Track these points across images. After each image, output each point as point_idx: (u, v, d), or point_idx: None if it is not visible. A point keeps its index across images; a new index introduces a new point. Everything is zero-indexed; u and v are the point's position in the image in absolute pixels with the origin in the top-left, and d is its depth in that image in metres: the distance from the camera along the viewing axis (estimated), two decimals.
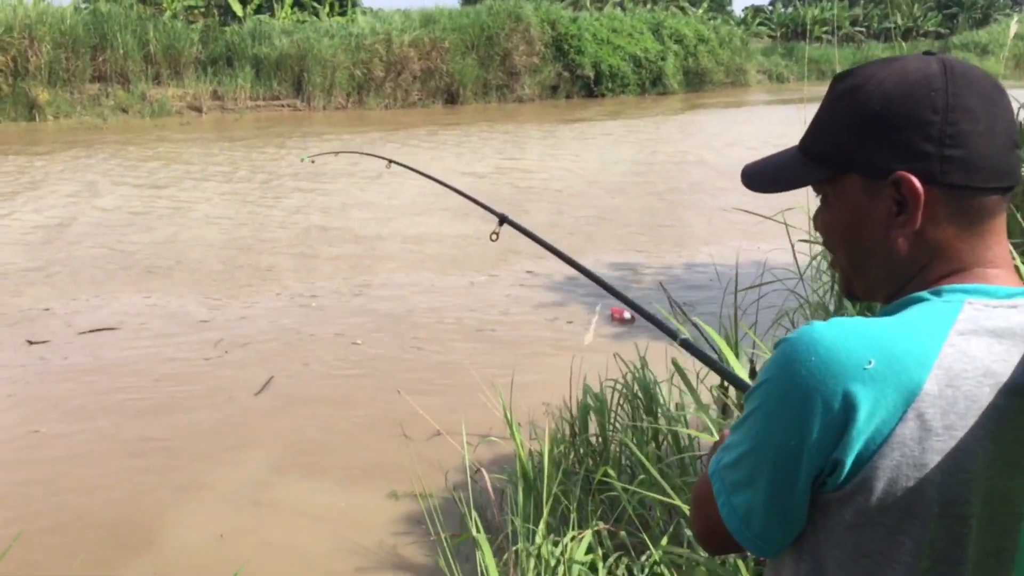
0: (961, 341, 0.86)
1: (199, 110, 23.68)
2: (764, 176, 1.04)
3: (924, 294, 0.92)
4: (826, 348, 0.85)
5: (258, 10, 28.03)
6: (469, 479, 3.43)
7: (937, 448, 0.84)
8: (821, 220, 1.02)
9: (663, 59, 30.52)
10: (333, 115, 24.13)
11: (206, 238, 9.81)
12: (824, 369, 0.84)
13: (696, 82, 31.86)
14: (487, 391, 4.07)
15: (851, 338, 0.85)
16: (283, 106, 24.62)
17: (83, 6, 24.60)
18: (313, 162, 3.65)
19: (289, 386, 5.56)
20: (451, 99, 26.70)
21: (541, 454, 3.57)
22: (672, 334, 1.94)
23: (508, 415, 3.57)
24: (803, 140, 1.01)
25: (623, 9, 33.91)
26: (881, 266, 0.97)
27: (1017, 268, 0.98)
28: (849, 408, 0.83)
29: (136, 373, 5.81)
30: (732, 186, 11.86)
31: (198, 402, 5.33)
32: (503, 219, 2.57)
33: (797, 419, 0.85)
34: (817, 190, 1.01)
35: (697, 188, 12.75)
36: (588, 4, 34.75)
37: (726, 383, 3.28)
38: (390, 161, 3.48)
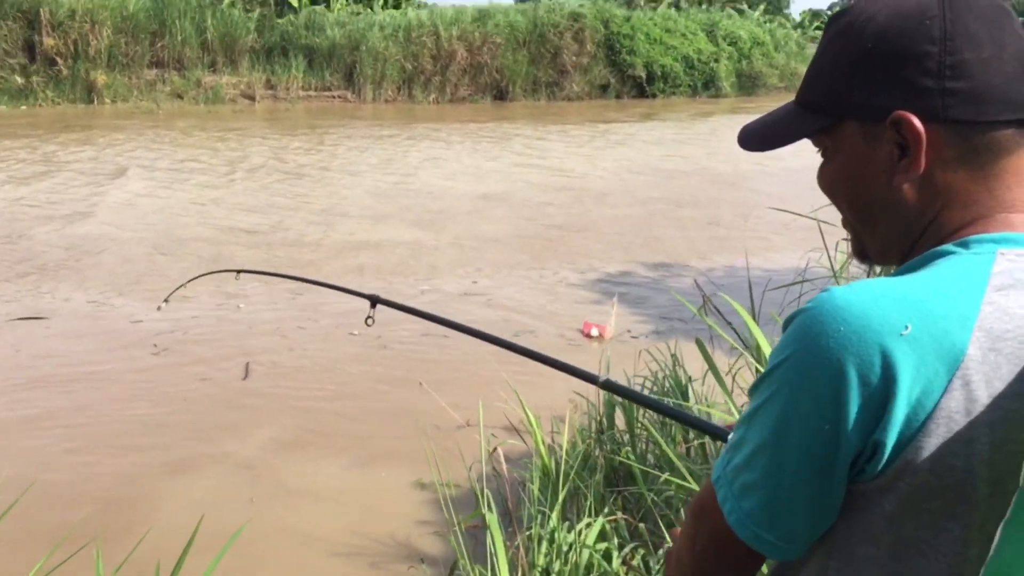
0: (1000, 298, 0.76)
1: (252, 98, 24.01)
2: (759, 134, 0.96)
3: (949, 246, 0.82)
4: (854, 313, 0.75)
5: (314, 1, 28.32)
6: (484, 466, 3.41)
7: (985, 420, 0.74)
8: (823, 176, 0.93)
9: (716, 61, 30.14)
10: (382, 107, 24.30)
11: (220, 226, 9.93)
12: (857, 336, 0.74)
13: (749, 85, 31.41)
14: (508, 383, 4.04)
15: (880, 300, 0.75)
16: (334, 97, 24.85)
17: None
18: (167, 302, 3.21)
19: (282, 371, 5.61)
20: (500, 95, 26.69)
21: (562, 446, 3.54)
22: (591, 378, 1.80)
23: (525, 408, 3.55)
24: (799, 91, 0.94)
25: (678, 9, 33.52)
26: (889, 219, 0.88)
27: None
28: (889, 379, 0.73)
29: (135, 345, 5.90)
30: (776, 190, 11.66)
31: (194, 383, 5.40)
32: (375, 301, 2.30)
33: (830, 397, 0.75)
34: (817, 144, 0.93)
35: (735, 190, 12.57)
36: (643, 3, 34.43)
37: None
38: (239, 272, 3.08)
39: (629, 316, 6.67)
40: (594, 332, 6.19)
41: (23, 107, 21.03)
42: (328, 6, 27.89)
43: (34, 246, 8.77)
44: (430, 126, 19.96)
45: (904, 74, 0.83)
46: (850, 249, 0.97)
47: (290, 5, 27.25)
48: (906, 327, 0.73)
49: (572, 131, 19.62)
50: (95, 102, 21.95)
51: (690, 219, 10.54)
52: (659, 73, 28.70)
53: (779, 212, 4.92)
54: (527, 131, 19.39)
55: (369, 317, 2.32)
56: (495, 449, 3.35)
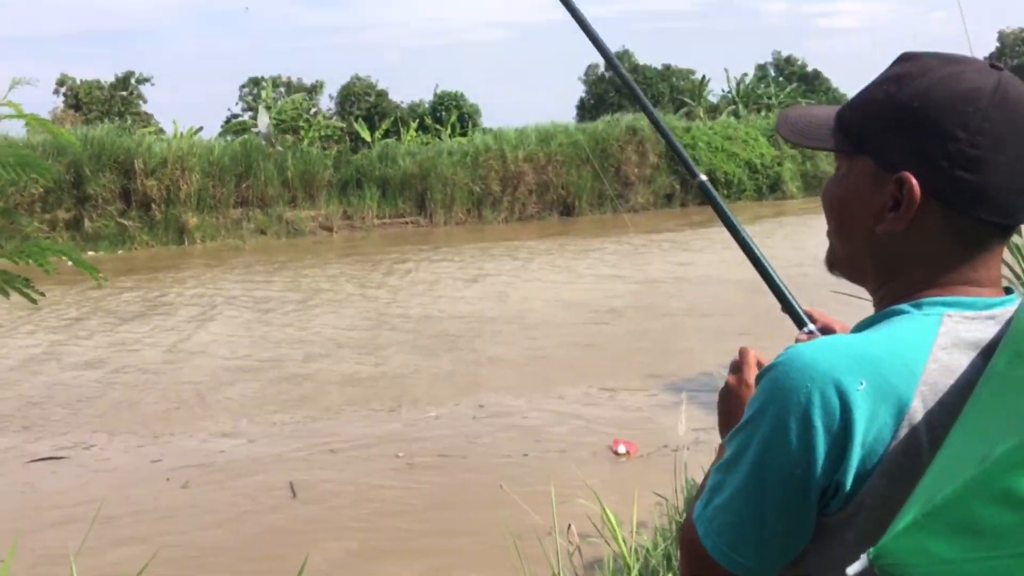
0: (944, 356, 0.86)
1: (330, 229, 25.09)
2: (795, 127, 1.04)
3: (904, 307, 0.92)
4: (819, 371, 0.85)
5: (386, 135, 29.83)
6: (566, 570, 3.39)
7: (926, 462, 0.82)
8: (829, 190, 1.01)
9: (780, 164, 30.33)
10: (453, 230, 25.07)
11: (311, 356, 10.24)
12: (820, 392, 0.84)
13: (816, 185, 31.34)
14: (587, 486, 4.05)
15: (841, 358, 0.85)
16: (407, 223, 25.79)
17: (228, 138, 26.88)
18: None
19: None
20: (567, 211, 27.28)
21: (644, 547, 3.51)
22: None
23: (605, 510, 3.55)
24: (845, 105, 1.01)
25: (737, 117, 34.11)
26: (863, 252, 0.97)
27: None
28: (848, 428, 0.83)
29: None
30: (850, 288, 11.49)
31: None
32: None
33: (800, 446, 0.85)
34: (836, 159, 1.01)
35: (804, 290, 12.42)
36: (702, 114, 35.16)
37: None
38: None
39: (703, 418, 6.61)
40: (621, 449, 6.28)
41: (120, 251, 22.39)
42: (399, 138, 29.32)
43: (136, 395, 9.21)
44: (502, 246, 20.46)
45: (927, 145, 0.89)
46: (824, 256, 1.06)
47: (364, 141, 28.76)
48: (862, 383, 0.83)
49: (635, 241, 19.85)
50: (186, 242, 23.24)
51: (750, 324, 10.45)
52: (723, 179, 28.98)
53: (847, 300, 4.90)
54: (590, 245, 19.70)
55: None
56: (576, 550, 3.35)
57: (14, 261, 2.01)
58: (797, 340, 1.18)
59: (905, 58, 0.96)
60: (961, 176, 0.88)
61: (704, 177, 1.56)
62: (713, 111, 36.19)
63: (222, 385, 8.78)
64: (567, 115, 36.87)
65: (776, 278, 1.37)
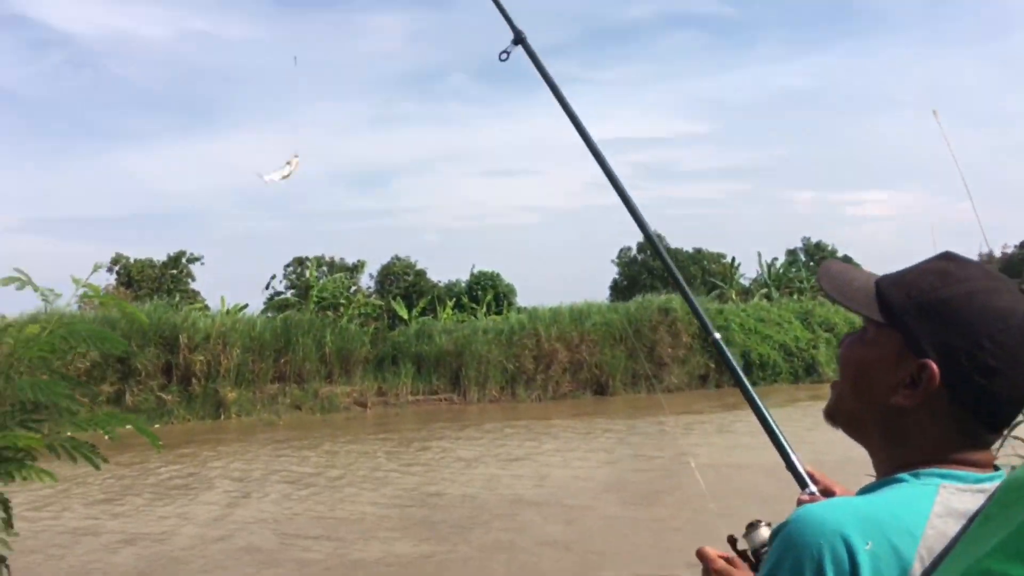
0: (939, 523, 0.96)
1: (364, 405, 25.20)
2: (836, 282, 1.13)
3: (904, 475, 1.02)
4: (830, 529, 0.94)
5: (423, 313, 30.53)
6: None
7: None
8: (851, 348, 1.11)
9: (815, 347, 30.28)
10: (486, 407, 25.04)
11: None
12: (831, 548, 0.93)
13: None
14: None
15: (850, 518, 0.95)
16: (440, 399, 25.85)
17: (270, 315, 27.68)
18: None
19: None
20: (600, 389, 27.23)
21: None
22: None
23: None
24: (885, 277, 1.11)
25: (769, 300, 34.49)
26: (869, 414, 1.08)
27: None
28: (855, 571, 0.92)
29: None
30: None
31: None
32: None
33: None
34: (865, 319, 1.11)
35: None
36: (734, 296, 35.66)
37: None
38: None
39: None
40: None
41: (156, 425, 22.59)
42: (435, 316, 29.97)
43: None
44: (535, 425, 20.34)
45: (955, 342, 1.01)
46: (825, 405, 1.14)
47: (401, 318, 29.44)
48: (868, 543, 0.93)
49: (668, 421, 19.63)
50: (222, 417, 23.42)
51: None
52: (757, 362, 28.91)
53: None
54: (623, 425, 19.52)
55: None
56: None
57: (83, 429, 2.15)
58: (799, 500, 1.27)
59: (948, 257, 1.07)
60: (976, 380, 1.00)
61: (718, 335, 1.72)
62: (745, 293, 36.67)
63: (244, 566, 8.63)
64: (600, 295, 37.62)
65: (782, 438, 1.49)
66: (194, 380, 23.51)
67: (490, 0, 2.34)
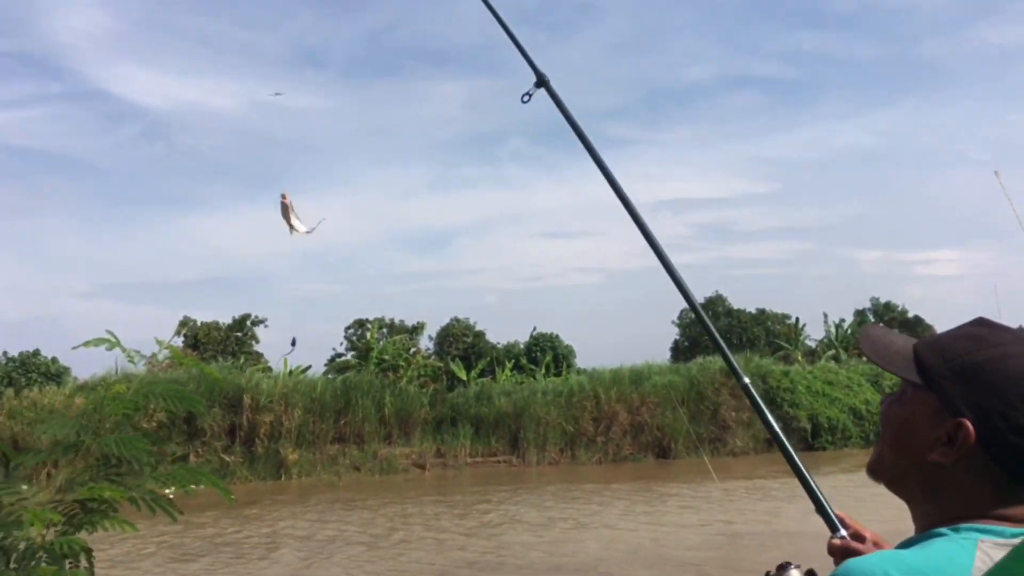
0: None
1: (423, 467, 25.14)
2: (875, 346, 1.20)
3: (944, 530, 1.06)
4: (874, 571, 0.98)
5: (481, 374, 30.53)
6: None
7: None
8: (891, 407, 1.18)
9: None
10: (545, 470, 24.74)
11: None
12: None
13: None
14: None
15: (894, 566, 0.99)
16: (499, 461, 25.65)
17: (331, 376, 27.99)
18: None
19: None
20: (662, 452, 26.70)
21: None
22: None
23: None
24: (922, 340, 1.18)
25: (837, 362, 33.54)
26: (909, 470, 1.13)
27: None
28: None
29: None
30: None
31: None
32: None
33: None
34: (903, 380, 1.16)
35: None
36: (800, 358, 34.81)
37: None
38: None
39: None
40: None
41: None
42: (494, 378, 29.94)
43: None
44: (592, 489, 19.99)
45: (990, 404, 1.06)
46: (868, 460, 1.20)
47: (460, 379, 29.49)
48: None
49: (730, 487, 19.11)
50: (283, 477, 23.59)
51: None
52: (825, 425, 28.08)
53: None
54: (681, 490, 19.04)
55: None
56: None
57: (162, 483, 2.19)
58: (830, 543, 1.34)
59: (982, 323, 1.14)
60: (1011, 439, 1.05)
61: (747, 380, 1.75)
62: (811, 355, 35.81)
63: None
64: (661, 357, 37.12)
65: (811, 481, 1.51)
66: (257, 441, 23.80)
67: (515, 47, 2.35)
